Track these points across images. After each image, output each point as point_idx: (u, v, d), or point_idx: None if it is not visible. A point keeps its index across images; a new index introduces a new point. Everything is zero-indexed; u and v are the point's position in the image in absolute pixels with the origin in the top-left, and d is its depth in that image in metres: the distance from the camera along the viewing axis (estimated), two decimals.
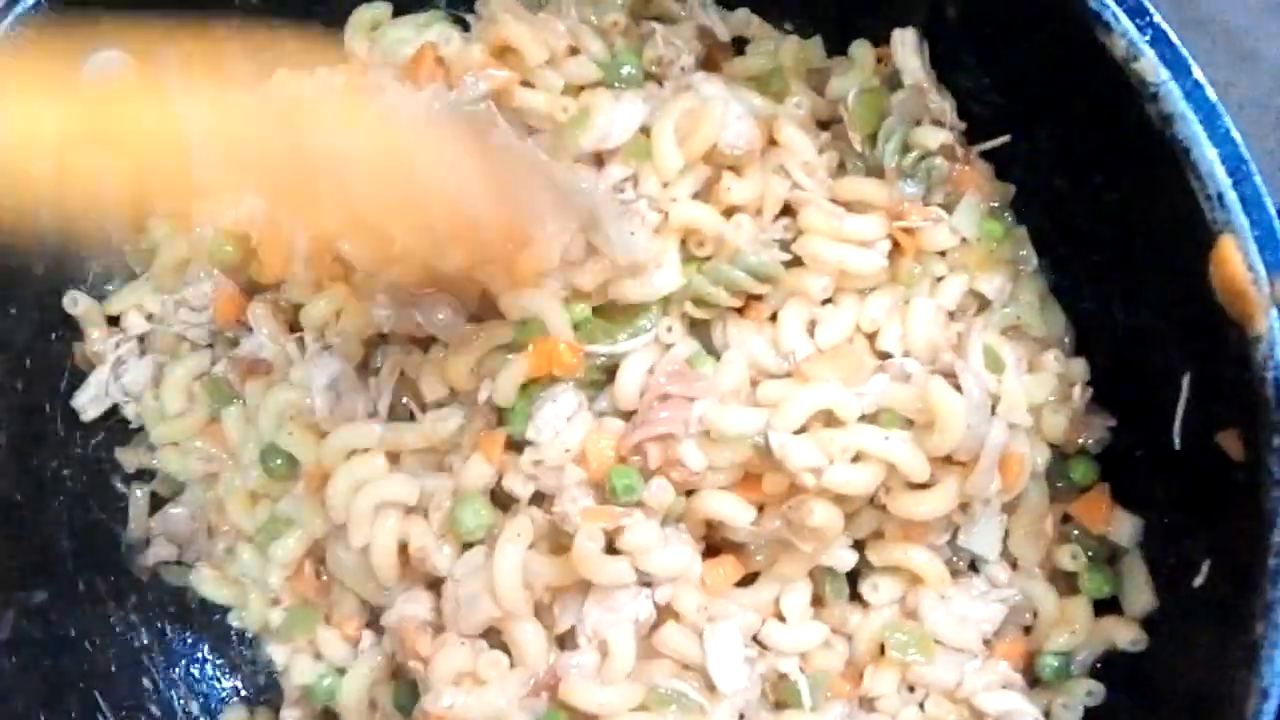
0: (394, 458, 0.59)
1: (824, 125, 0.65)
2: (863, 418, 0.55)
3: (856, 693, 0.58)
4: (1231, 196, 0.49)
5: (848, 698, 0.58)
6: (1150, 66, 0.50)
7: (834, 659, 0.58)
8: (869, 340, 0.59)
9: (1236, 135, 0.49)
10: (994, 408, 0.56)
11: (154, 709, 0.66)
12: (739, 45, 0.69)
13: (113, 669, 0.66)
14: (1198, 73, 0.50)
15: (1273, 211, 0.49)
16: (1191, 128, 0.49)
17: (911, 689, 0.58)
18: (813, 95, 0.65)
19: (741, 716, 0.56)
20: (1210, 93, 0.50)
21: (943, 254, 0.60)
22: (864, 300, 0.59)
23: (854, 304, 0.59)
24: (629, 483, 0.54)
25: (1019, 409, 0.56)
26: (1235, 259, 0.49)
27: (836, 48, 0.67)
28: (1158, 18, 0.50)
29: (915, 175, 0.60)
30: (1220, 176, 0.49)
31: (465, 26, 0.68)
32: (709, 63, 0.67)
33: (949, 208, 0.60)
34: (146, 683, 0.67)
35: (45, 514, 0.67)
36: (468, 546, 0.57)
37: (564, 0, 0.64)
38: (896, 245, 0.59)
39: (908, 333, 0.58)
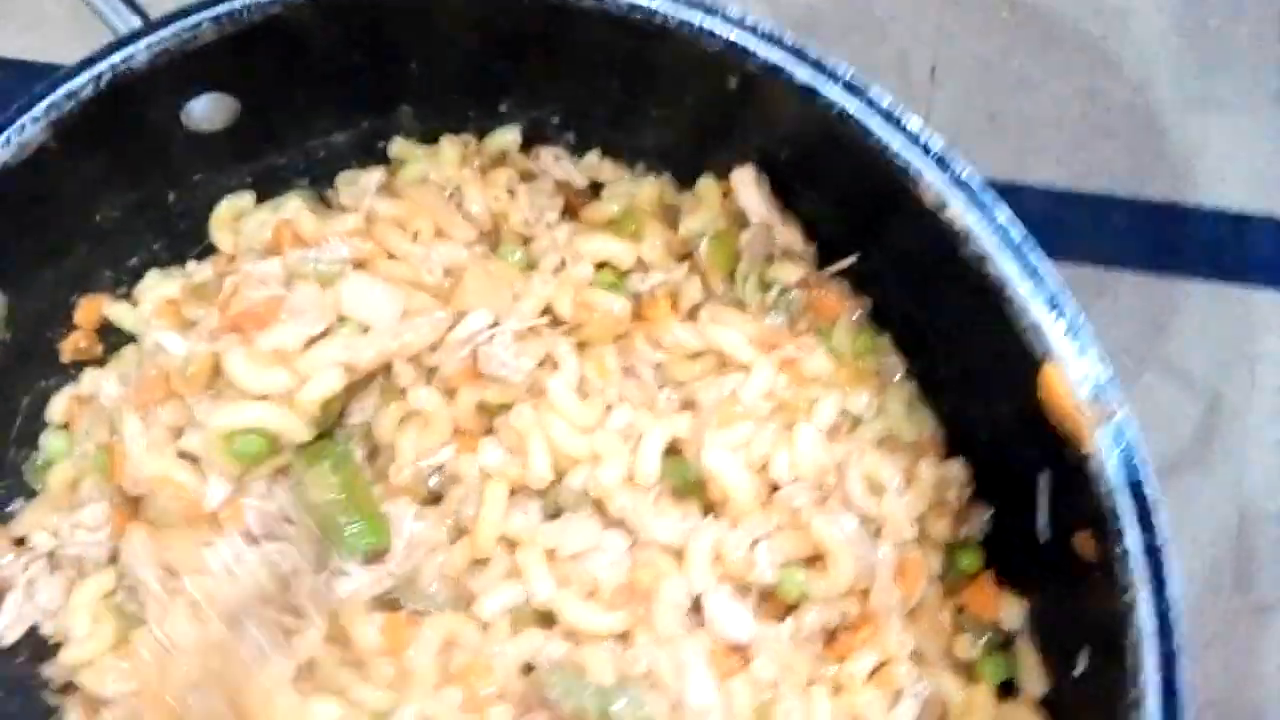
0: None
1: (681, 258, 0.68)
2: None
3: None
4: (1050, 327, 0.52)
5: None
6: (958, 213, 0.54)
7: None
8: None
9: (1048, 269, 0.53)
10: (880, 529, 0.60)
11: None
12: (594, 189, 0.72)
13: None
14: (1002, 214, 0.53)
15: (1087, 337, 0.52)
16: (1001, 267, 0.53)
17: None
18: (667, 232, 0.68)
19: None
20: (1015, 232, 0.53)
21: (815, 378, 0.63)
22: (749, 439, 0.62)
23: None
24: None
25: (904, 529, 0.60)
26: (1060, 384, 0.52)
27: (686, 181, 0.70)
28: (964, 170, 0.54)
29: (777, 308, 0.64)
30: (1034, 311, 0.52)
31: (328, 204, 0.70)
32: (568, 209, 0.70)
33: (814, 333, 0.64)
34: None
35: None
36: None
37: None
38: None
39: (794, 460, 0.61)
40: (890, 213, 0.59)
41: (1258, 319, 0.79)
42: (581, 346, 0.65)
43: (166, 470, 0.62)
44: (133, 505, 0.66)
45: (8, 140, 0.58)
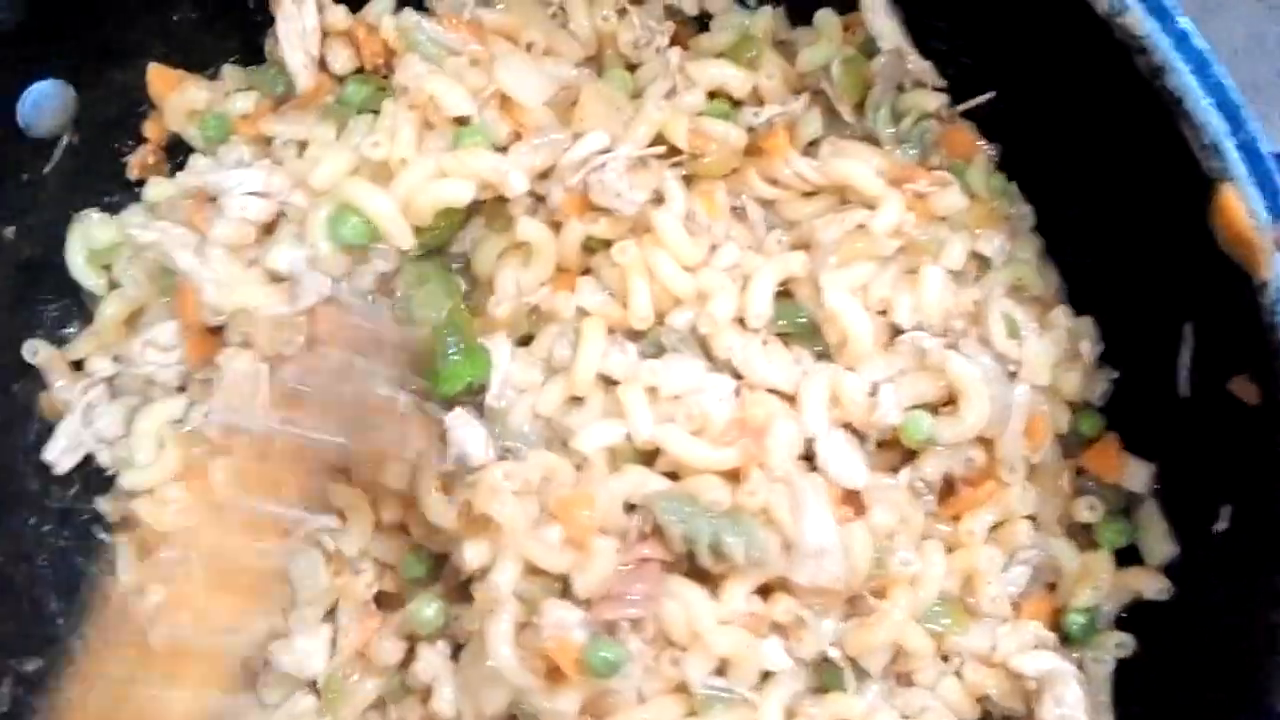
0: None
1: (797, 92, 0.63)
2: None
3: (894, 669, 0.57)
4: (1228, 145, 0.48)
5: (885, 674, 0.57)
6: (1136, 19, 0.49)
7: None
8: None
9: (1229, 83, 0.49)
10: (1014, 373, 0.56)
11: None
12: (702, 22, 0.67)
13: None
14: (1185, 21, 0.49)
15: (1269, 160, 0.48)
16: (1183, 78, 0.49)
17: (946, 658, 0.58)
18: (784, 64, 0.63)
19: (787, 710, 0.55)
20: (1199, 41, 0.49)
21: (942, 219, 0.59)
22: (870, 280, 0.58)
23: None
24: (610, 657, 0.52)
25: (1042, 372, 0.56)
26: (1237, 207, 0.48)
27: (799, 18, 0.65)
28: None
29: (909, 140, 0.60)
30: (1215, 125, 0.48)
31: None
32: (676, 39, 0.66)
33: (947, 169, 0.60)
34: None
35: (30, 575, 0.64)
36: None
37: None
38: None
39: (921, 303, 0.58)
40: (1047, 30, 0.54)
41: None
42: (689, 181, 0.61)
43: (249, 299, 0.58)
44: (209, 336, 0.61)
45: None
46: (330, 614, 0.61)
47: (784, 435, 0.56)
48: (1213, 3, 0.78)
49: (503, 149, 0.58)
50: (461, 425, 0.55)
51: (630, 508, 0.56)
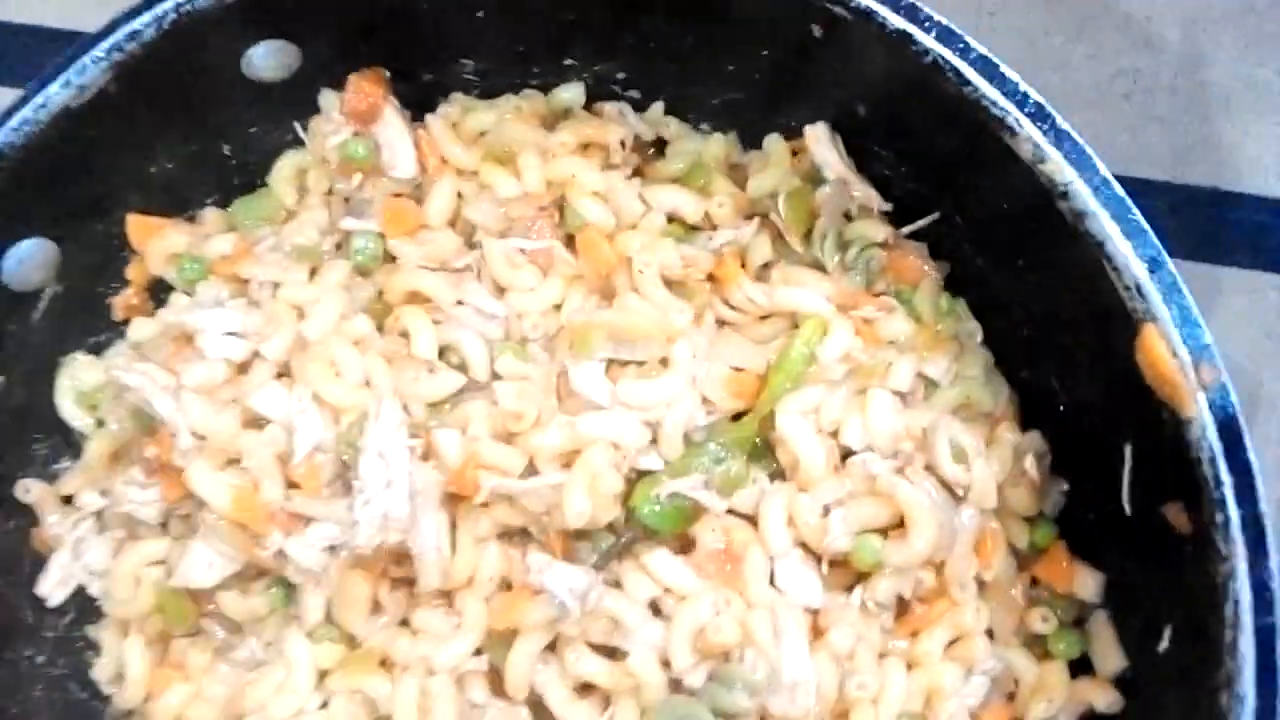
0: None
1: (748, 218, 0.66)
2: None
3: None
4: (1149, 287, 0.51)
5: None
6: (1058, 167, 0.52)
7: None
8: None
9: (1146, 226, 0.51)
10: (961, 497, 0.58)
11: None
12: (659, 147, 0.70)
13: None
14: (1104, 170, 0.51)
15: (1189, 298, 0.50)
16: (1103, 224, 0.51)
17: None
18: (735, 190, 0.66)
19: None
20: (1117, 188, 0.51)
21: (890, 342, 0.61)
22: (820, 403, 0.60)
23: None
24: None
25: (989, 496, 0.58)
26: (1159, 346, 0.50)
27: (750, 143, 0.68)
28: (1060, 120, 0.52)
29: (855, 267, 0.62)
30: (1135, 268, 0.51)
31: None
32: (637, 170, 0.69)
33: (893, 295, 0.62)
34: None
35: (28, 704, 0.66)
36: None
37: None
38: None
39: (869, 426, 0.59)
40: (978, 168, 0.57)
41: None
42: None
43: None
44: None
45: (67, 82, 0.56)
46: None
47: (756, 561, 0.58)
48: None
49: None
50: None
51: None
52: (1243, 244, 0.79)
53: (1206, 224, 0.80)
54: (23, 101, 0.56)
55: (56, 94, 0.56)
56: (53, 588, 0.66)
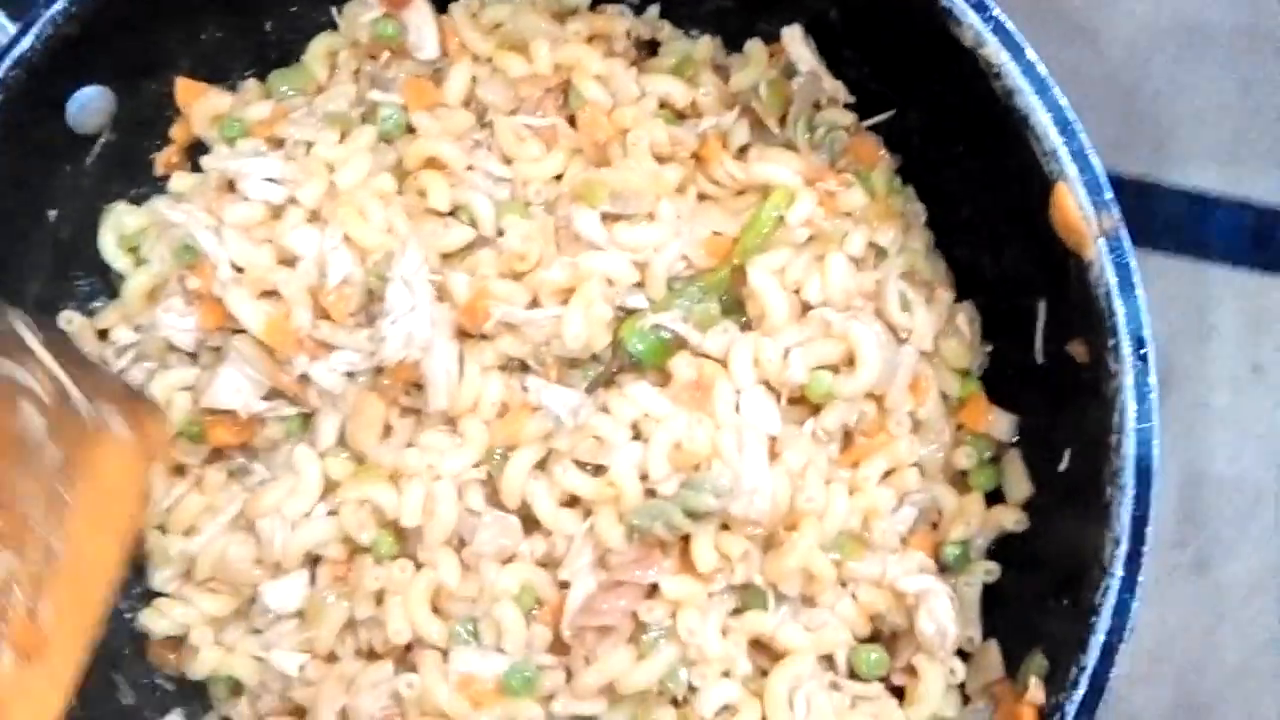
0: None
1: (729, 108, 0.75)
2: None
3: (800, 592, 0.68)
4: (1063, 152, 0.61)
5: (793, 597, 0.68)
6: (993, 51, 0.62)
7: None
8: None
9: (1064, 102, 0.61)
10: (904, 340, 0.68)
11: None
12: (651, 48, 0.79)
13: None
14: (1031, 54, 0.61)
15: (1096, 163, 0.61)
16: (1028, 99, 0.61)
17: (844, 584, 0.69)
18: (719, 84, 0.75)
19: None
20: (1041, 69, 0.61)
21: (847, 214, 0.71)
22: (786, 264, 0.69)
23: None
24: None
25: (927, 338, 0.68)
26: (1069, 202, 0.61)
27: (732, 47, 0.78)
28: (997, 11, 0.62)
29: (822, 148, 0.71)
30: (1053, 136, 0.61)
31: None
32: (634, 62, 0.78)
33: (853, 174, 0.72)
34: None
35: None
36: None
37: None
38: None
39: (827, 284, 0.69)
40: (929, 65, 0.67)
41: (1213, 293, 0.85)
42: None
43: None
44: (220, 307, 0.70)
45: None
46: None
47: (724, 390, 0.67)
48: None
49: None
50: None
51: None
52: (1166, 232, 0.86)
53: (1134, 211, 0.88)
54: None
55: None
56: None
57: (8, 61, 0.64)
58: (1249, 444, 0.84)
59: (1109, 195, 0.61)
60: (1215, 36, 0.88)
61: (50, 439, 0.59)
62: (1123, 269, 0.60)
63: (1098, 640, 0.58)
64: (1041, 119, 0.61)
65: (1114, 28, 0.89)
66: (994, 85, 0.63)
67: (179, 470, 0.72)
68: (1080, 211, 0.60)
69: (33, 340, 0.61)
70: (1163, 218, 0.87)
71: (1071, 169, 0.61)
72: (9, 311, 0.62)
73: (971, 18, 0.62)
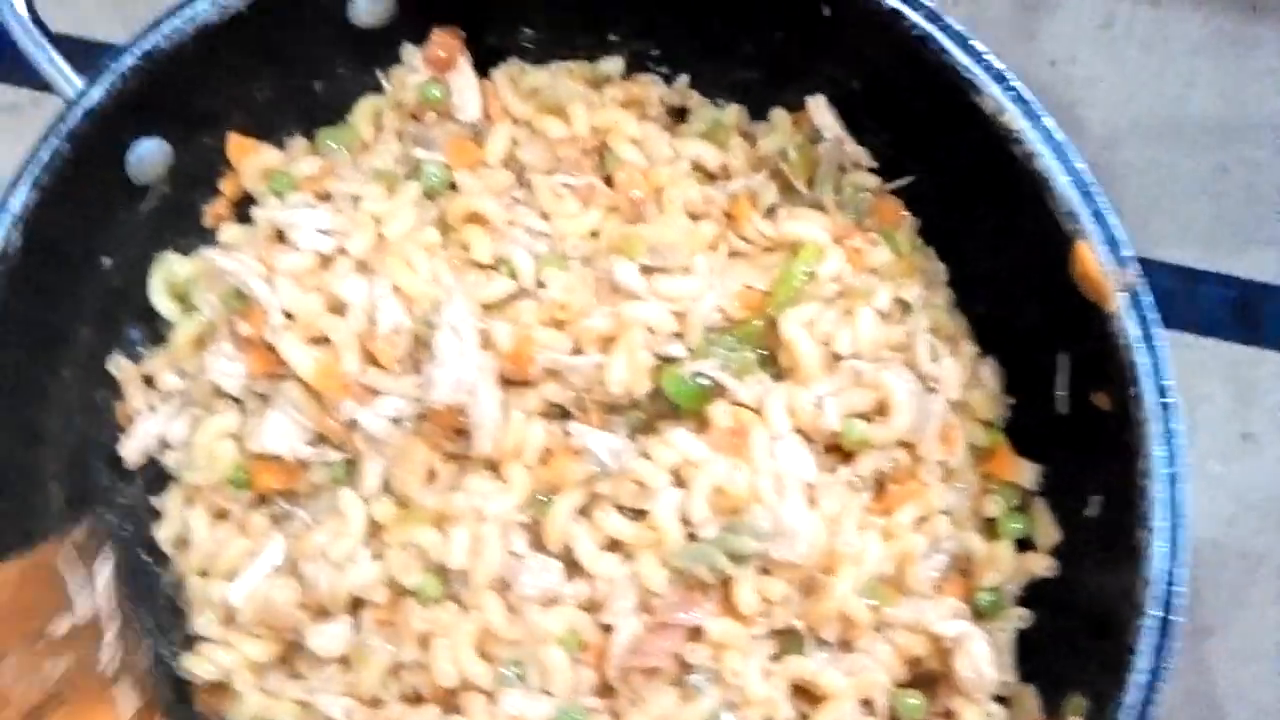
0: None
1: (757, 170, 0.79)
2: None
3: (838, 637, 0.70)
4: (1083, 211, 0.65)
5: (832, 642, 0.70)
6: (1012, 117, 0.66)
7: None
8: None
9: (1083, 165, 0.65)
10: (933, 389, 0.71)
11: None
12: (680, 115, 0.83)
13: None
14: (1049, 121, 0.66)
15: (1114, 221, 0.65)
16: (1047, 162, 0.65)
17: (879, 629, 0.71)
18: (747, 148, 0.79)
19: None
20: (1059, 135, 0.66)
21: (873, 270, 0.74)
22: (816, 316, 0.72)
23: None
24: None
25: (955, 387, 0.71)
26: (1090, 259, 0.65)
27: (756, 116, 0.82)
28: (1015, 81, 0.66)
29: (848, 208, 0.75)
30: (1073, 197, 0.65)
31: None
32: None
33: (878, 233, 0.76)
34: None
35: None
36: None
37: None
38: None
39: (856, 336, 0.72)
40: (948, 130, 0.71)
41: (1200, 364, 0.89)
42: None
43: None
44: (270, 353, 0.72)
45: (213, 1, 0.67)
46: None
47: (761, 437, 0.69)
48: None
49: None
50: None
51: None
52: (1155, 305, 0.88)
53: None
54: (174, 12, 0.67)
55: (203, 9, 0.67)
56: (132, 451, 0.74)
57: (78, 113, 0.66)
58: (1245, 512, 0.86)
59: (1127, 252, 0.64)
60: (1187, 125, 0.94)
61: (63, 657, 0.60)
62: (1143, 320, 0.63)
63: (1139, 679, 0.60)
64: (1061, 181, 0.65)
65: (1095, 111, 0.95)
66: (1013, 150, 0.67)
67: (222, 515, 0.73)
68: (1101, 268, 0.64)
69: (105, 569, 0.62)
70: (1152, 292, 0.91)
71: (1092, 227, 0.65)
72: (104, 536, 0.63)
73: (993, 89, 0.66)
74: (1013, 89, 0.66)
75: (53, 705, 0.59)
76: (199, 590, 0.71)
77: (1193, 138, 0.94)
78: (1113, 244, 0.65)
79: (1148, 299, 0.64)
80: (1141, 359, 0.63)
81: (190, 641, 0.71)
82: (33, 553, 0.60)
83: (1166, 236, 0.92)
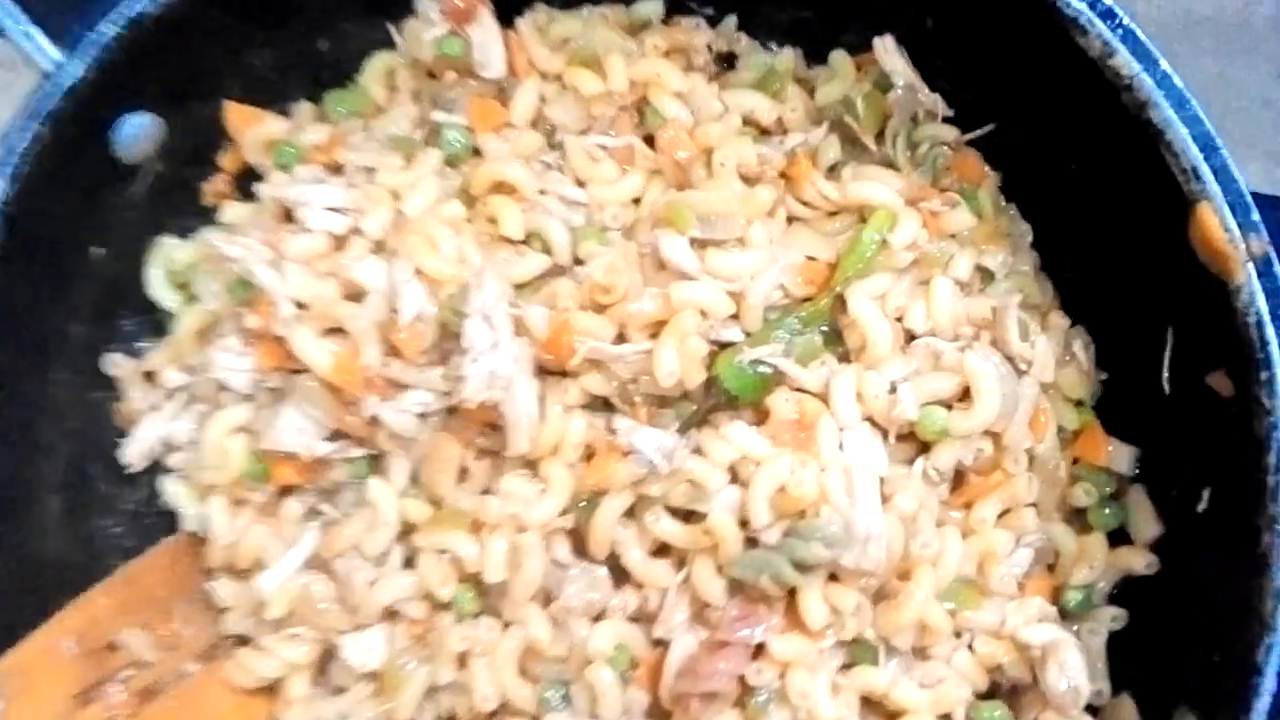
0: None
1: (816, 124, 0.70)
2: None
3: (912, 644, 0.63)
4: (1205, 170, 0.56)
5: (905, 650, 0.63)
6: (1124, 61, 0.57)
7: None
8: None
9: (1204, 115, 0.56)
10: (1024, 371, 0.63)
11: None
12: (729, 62, 0.74)
13: None
14: (1165, 65, 0.57)
15: (1241, 181, 0.56)
16: (1165, 112, 0.57)
17: (958, 634, 0.64)
18: (805, 98, 0.71)
19: None
20: (1177, 80, 0.57)
21: (951, 236, 0.66)
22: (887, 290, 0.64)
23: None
24: None
25: (1048, 369, 0.63)
26: (1213, 223, 0.56)
27: (814, 61, 0.73)
28: (1126, 19, 0.57)
29: (923, 165, 0.67)
30: (1194, 153, 0.56)
31: None
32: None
33: (957, 192, 0.67)
34: None
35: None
36: None
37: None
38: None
39: (932, 311, 0.64)
40: (1041, 70, 0.62)
41: None
42: None
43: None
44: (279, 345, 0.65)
45: None
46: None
47: (828, 428, 0.62)
48: None
49: None
50: None
51: None
52: None
53: None
54: None
55: None
56: (135, 455, 0.69)
57: (56, 92, 0.59)
58: None
59: (1255, 216, 0.56)
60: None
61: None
62: (1274, 295, 0.55)
63: (1263, 703, 0.53)
64: (1180, 134, 0.56)
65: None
66: (1123, 98, 0.58)
67: (240, 504, 0.67)
68: (1225, 234, 0.55)
69: None
70: None
71: (1215, 189, 0.56)
72: None
73: (1099, 26, 0.57)
74: (1123, 26, 0.57)
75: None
76: (227, 587, 0.65)
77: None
78: (1241, 207, 0.56)
79: (1276, 268, 0.55)
80: (1271, 338, 0.55)
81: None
82: None
83: None
